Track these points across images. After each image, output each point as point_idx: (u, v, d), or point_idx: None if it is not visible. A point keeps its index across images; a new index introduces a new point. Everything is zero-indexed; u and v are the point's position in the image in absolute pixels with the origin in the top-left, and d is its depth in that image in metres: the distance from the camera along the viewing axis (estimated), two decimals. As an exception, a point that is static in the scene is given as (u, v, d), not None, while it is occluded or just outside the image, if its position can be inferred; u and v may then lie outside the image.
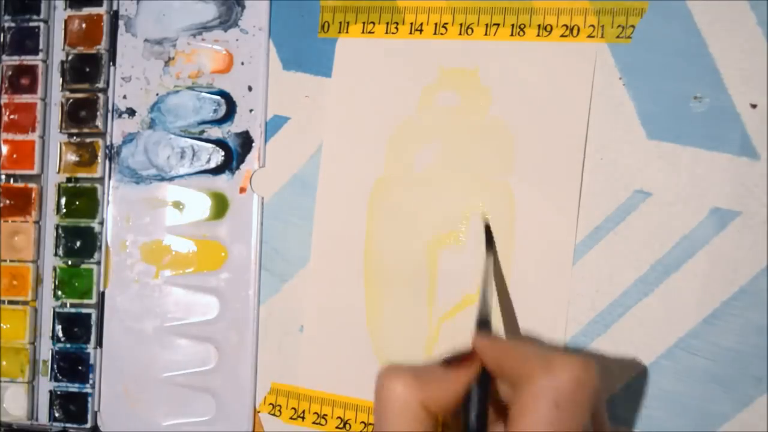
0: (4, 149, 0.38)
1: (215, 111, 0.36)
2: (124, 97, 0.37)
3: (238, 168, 0.36)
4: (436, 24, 0.33)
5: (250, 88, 0.36)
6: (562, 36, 0.32)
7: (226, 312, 0.36)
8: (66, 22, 0.37)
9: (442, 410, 0.25)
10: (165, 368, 0.36)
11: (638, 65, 0.31)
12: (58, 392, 0.37)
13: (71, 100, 0.37)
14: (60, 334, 0.37)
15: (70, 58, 0.37)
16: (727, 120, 0.30)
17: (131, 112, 0.37)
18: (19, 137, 0.37)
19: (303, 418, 0.35)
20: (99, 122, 0.37)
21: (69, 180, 0.37)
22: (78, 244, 0.37)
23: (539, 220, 0.32)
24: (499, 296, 0.32)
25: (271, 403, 0.35)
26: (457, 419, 0.25)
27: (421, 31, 0.33)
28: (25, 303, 0.37)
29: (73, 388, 0.37)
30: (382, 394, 0.25)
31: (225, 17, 0.36)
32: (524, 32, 0.32)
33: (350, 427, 0.34)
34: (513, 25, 0.32)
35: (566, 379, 0.23)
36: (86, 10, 0.37)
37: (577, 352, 0.31)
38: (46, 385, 0.37)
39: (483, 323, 0.28)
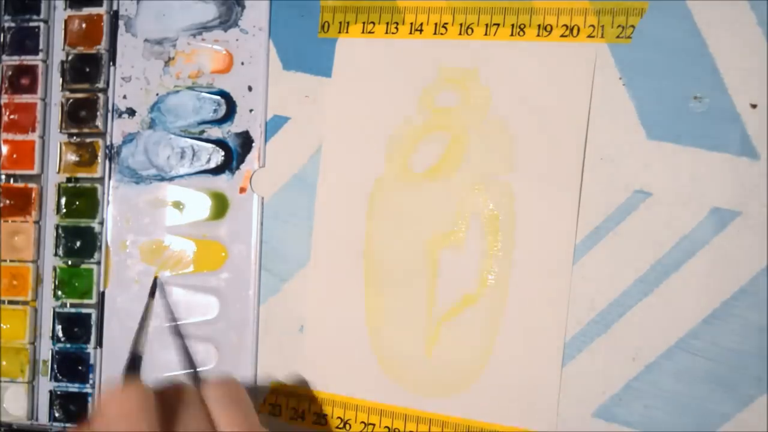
0: (4, 149, 0.38)
1: (215, 111, 0.36)
2: (124, 97, 0.37)
3: (238, 168, 0.36)
4: (436, 24, 0.33)
5: (250, 88, 0.36)
6: (562, 36, 0.32)
7: (226, 312, 0.36)
8: (66, 22, 0.37)
9: None
10: (165, 368, 0.36)
11: (638, 65, 0.31)
12: (58, 392, 0.37)
13: (71, 100, 0.37)
14: (60, 334, 0.37)
15: (70, 58, 0.37)
16: (727, 120, 0.30)
17: (131, 112, 0.37)
18: (19, 137, 0.37)
19: (303, 418, 0.35)
20: (99, 122, 0.37)
21: (69, 180, 0.37)
22: (78, 244, 0.37)
23: (539, 220, 0.32)
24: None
25: (271, 403, 0.35)
26: None
27: (421, 31, 0.33)
28: (25, 303, 0.37)
29: (73, 388, 0.37)
30: None
31: (225, 17, 0.36)
32: (524, 32, 0.32)
33: (350, 427, 0.34)
34: (513, 25, 0.32)
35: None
36: (86, 10, 0.37)
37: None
38: (46, 385, 0.37)
39: (133, 360, 0.31)
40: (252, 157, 0.36)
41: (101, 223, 0.37)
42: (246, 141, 0.36)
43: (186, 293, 0.36)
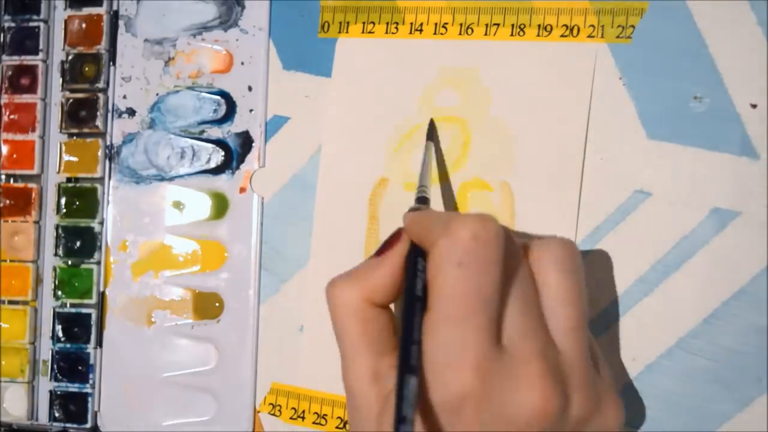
0: (4, 149, 0.38)
1: (215, 111, 0.36)
2: (124, 97, 0.37)
3: (238, 168, 0.36)
4: (436, 24, 0.33)
5: (250, 88, 0.36)
6: (562, 36, 0.32)
7: (226, 312, 0.36)
8: (66, 22, 0.37)
9: (387, 298, 0.25)
10: (165, 368, 0.36)
11: (638, 65, 0.31)
12: (58, 392, 0.37)
13: (71, 100, 0.37)
14: (60, 334, 0.37)
15: (70, 58, 0.37)
16: (727, 120, 0.30)
17: (131, 112, 0.37)
18: (19, 137, 0.37)
19: (303, 418, 0.35)
20: (99, 122, 0.37)
21: (69, 180, 0.37)
22: (78, 244, 0.37)
23: (539, 220, 0.32)
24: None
25: (271, 403, 0.35)
26: None
27: (421, 31, 0.33)
28: (25, 303, 0.37)
29: (73, 388, 0.37)
30: (329, 306, 0.25)
31: (225, 17, 0.36)
32: (524, 32, 0.32)
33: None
34: (513, 25, 0.32)
35: (463, 236, 0.22)
36: (86, 10, 0.37)
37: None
38: (46, 385, 0.37)
39: (420, 200, 0.28)
40: (252, 157, 0.36)
41: (101, 223, 0.37)
42: (246, 141, 0.36)
43: (186, 293, 0.36)
